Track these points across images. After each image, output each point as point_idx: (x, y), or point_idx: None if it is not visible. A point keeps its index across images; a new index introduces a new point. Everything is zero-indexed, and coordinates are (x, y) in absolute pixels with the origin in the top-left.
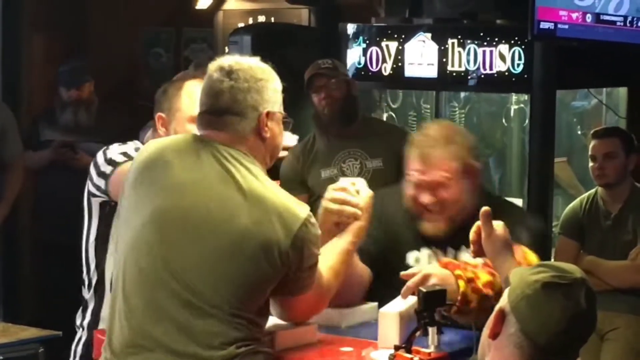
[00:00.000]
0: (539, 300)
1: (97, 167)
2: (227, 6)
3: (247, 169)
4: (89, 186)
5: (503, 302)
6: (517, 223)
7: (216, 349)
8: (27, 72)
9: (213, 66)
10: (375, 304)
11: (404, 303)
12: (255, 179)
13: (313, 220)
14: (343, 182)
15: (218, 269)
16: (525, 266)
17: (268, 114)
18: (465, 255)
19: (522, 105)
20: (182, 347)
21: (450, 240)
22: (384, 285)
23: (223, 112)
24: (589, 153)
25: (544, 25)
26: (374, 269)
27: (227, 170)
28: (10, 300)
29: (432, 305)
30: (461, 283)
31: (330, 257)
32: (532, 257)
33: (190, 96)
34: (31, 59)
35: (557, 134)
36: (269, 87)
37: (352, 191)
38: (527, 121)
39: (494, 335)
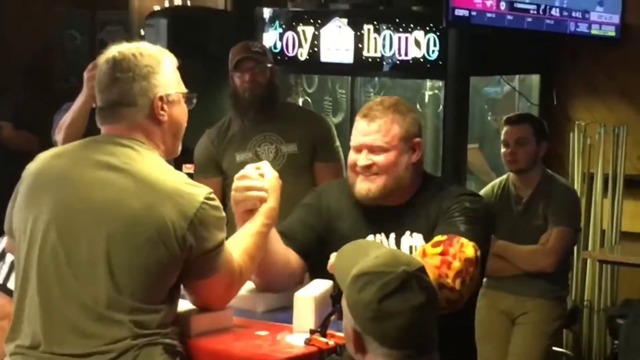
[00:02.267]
0: (381, 316)
1: None
2: None
3: (141, 155)
4: None
5: (351, 322)
6: (456, 205)
7: (113, 342)
8: None
9: (101, 59)
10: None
11: (318, 287)
12: (149, 164)
13: (213, 202)
14: (245, 169)
15: (114, 258)
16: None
17: (161, 97)
18: (408, 240)
19: (436, 91)
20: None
21: (394, 225)
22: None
23: (114, 105)
24: (502, 139)
25: (458, 12)
26: (319, 265)
27: (113, 160)
28: None
29: None
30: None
31: (241, 240)
32: (469, 249)
33: None
34: None
35: (470, 121)
36: (159, 72)
37: (254, 176)
38: (441, 107)
39: (362, 352)
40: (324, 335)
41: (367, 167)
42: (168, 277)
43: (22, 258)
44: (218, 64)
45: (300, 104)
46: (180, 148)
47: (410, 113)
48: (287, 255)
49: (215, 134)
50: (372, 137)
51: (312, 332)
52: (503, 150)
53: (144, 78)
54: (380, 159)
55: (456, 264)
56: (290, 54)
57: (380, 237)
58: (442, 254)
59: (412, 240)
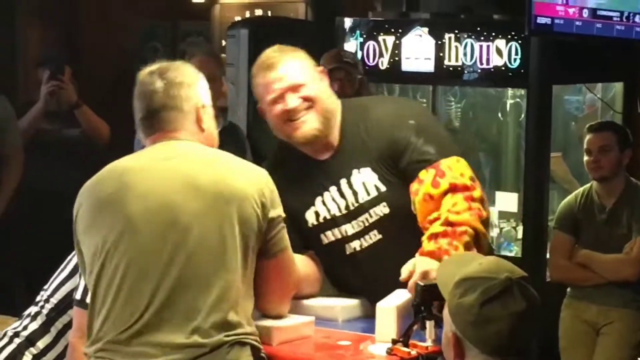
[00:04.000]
0: (482, 321)
1: None
2: (223, 0)
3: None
4: None
5: (451, 327)
6: (405, 132)
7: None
8: (22, 65)
9: (144, 73)
10: (372, 298)
11: (400, 297)
12: (211, 151)
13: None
14: None
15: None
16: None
17: (203, 106)
18: (357, 177)
19: (518, 99)
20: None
21: (337, 173)
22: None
23: (165, 110)
24: (584, 147)
25: (540, 20)
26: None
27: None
28: (3, 292)
29: (430, 299)
30: None
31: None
32: (462, 167)
33: None
34: (26, 50)
35: (552, 129)
36: (199, 84)
37: None
38: (522, 116)
39: (461, 358)
40: (406, 345)
41: (298, 107)
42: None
43: (114, 251)
44: None
45: None
46: None
47: (299, 50)
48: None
49: None
50: (288, 79)
51: (394, 342)
52: (586, 158)
53: (189, 86)
54: (304, 92)
55: (476, 193)
56: (371, 63)
57: (330, 192)
58: (451, 190)
59: (362, 176)
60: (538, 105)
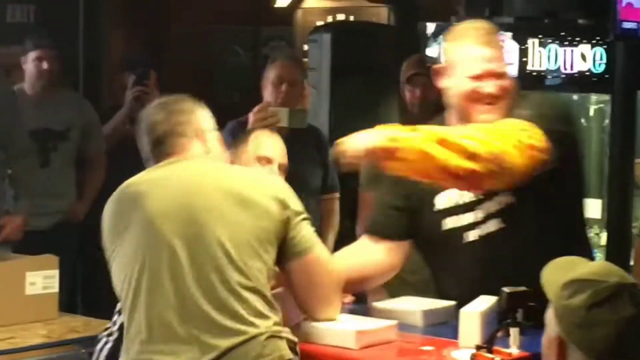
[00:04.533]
0: (588, 324)
1: None
2: (306, 4)
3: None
4: None
5: (556, 330)
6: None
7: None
8: (107, 70)
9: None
10: (454, 303)
11: (484, 303)
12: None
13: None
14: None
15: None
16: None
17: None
18: None
19: (601, 105)
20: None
21: None
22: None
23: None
24: None
25: (626, 25)
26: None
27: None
28: (90, 294)
29: (515, 306)
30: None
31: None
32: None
33: (255, 139)
34: (111, 56)
35: (637, 135)
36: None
37: None
38: (606, 121)
39: None
40: (490, 351)
41: (496, 95)
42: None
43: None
44: (381, 79)
45: None
46: None
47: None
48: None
49: None
50: (499, 64)
51: (478, 347)
52: None
53: (190, 113)
54: (503, 83)
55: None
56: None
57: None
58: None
59: None
60: (623, 111)
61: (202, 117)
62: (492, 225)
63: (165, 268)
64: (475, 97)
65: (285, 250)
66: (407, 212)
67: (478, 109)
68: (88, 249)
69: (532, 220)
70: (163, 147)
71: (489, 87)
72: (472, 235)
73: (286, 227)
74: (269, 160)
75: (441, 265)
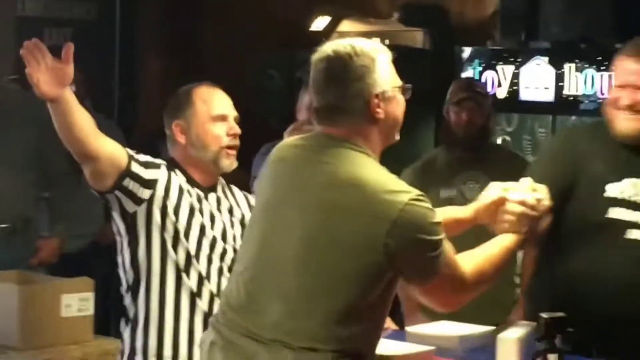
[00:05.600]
0: None
1: None
2: (341, 28)
3: (357, 160)
4: None
5: None
6: None
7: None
8: (142, 95)
9: (316, 57)
10: (492, 328)
11: (522, 328)
12: (361, 169)
13: (420, 203)
14: (524, 193)
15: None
16: None
17: (377, 96)
18: None
19: None
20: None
21: None
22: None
23: (331, 109)
24: None
25: None
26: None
27: (333, 163)
28: None
29: (553, 332)
30: None
31: (488, 248)
32: None
33: (203, 99)
34: (146, 81)
35: None
36: (375, 70)
37: (532, 202)
38: None
39: None
40: None
41: (630, 106)
42: (370, 285)
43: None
44: (418, 102)
45: (499, 142)
46: (397, 137)
47: None
48: None
49: (421, 168)
50: (637, 77)
51: None
52: None
53: (359, 79)
54: None
55: None
56: (490, 92)
57: (634, 179)
58: None
59: None
60: None
61: (380, 74)
62: None
63: None
64: (614, 105)
65: None
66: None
67: (624, 116)
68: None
69: None
70: (322, 115)
71: (624, 98)
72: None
73: None
74: (224, 118)
75: (594, 257)
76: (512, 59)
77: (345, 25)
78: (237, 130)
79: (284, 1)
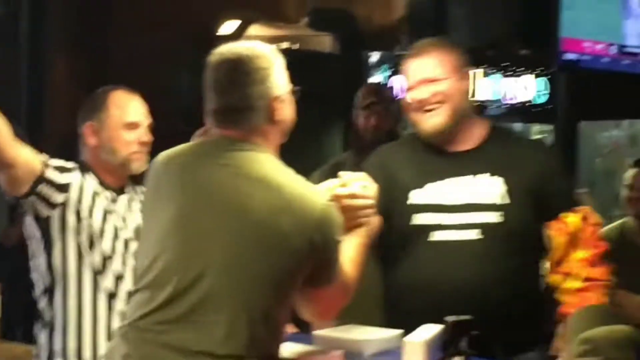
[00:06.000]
0: None
1: None
2: (250, 32)
3: (262, 159)
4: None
5: None
6: (553, 165)
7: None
8: (51, 96)
9: (215, 61)
10: (400, 331)
11: (428, 332)
12: (270, 169)
13: (332, 206)
14: (351, 185)
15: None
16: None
17: (277, 98)
18: (487, 180)
19: (544, 135)
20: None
21: (467, 168)
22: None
23: (233, 109)
24: (627, 182)
25: (568, 56)
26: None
27: (237, 165)
28: (30, 321)
29: (459, 334)
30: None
31: (347, 251)
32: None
33: (118, 105)
34: (55, 82)
35: (579, 166)
36: (273, 73)
37: (363, 193)
38: None
39: None
40: None
41: (427, 99)
42: (292, 284)
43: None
44: (327, 106)
45: None
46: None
47: (455, 47)
48: None
49: (329, 171)
50: (426, 70)
51: None
52: (627, 193)
53: (262, 81)
54: (438, 87)
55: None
56: (398, 97)
57: (448, 181)
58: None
59: (492, 181)
60: (564, 141)
61: (279, 77)
62: (471, 234)
63: None
64: (416, 107)
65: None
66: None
67: (422, 117)
68: (24, 274)
69: (515, 245)
70: (221, 117)
71: (422, 93)
72: (443, 236)
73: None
74: (136, 126)
75: (408, 261)
76: None
77: (254, 29)
78: (148, 138)
79: (195, 3)
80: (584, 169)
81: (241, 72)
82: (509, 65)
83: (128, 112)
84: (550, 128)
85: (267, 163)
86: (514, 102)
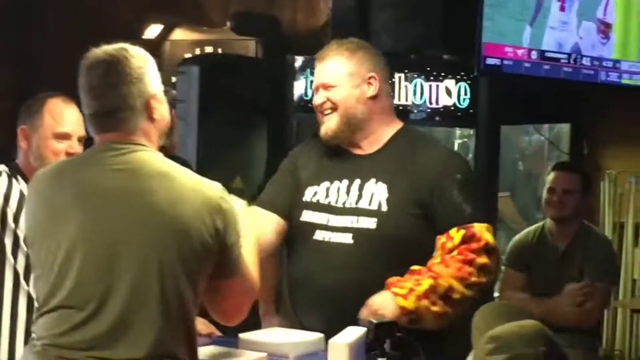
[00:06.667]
0: None
1: None
2: (174, 36)
3: (150, 157)
4: None
5: None
6: (448, 180)
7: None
8: None
9: (88, 64)
10: (322, 335)
11: (352, 334)
12: (162, 164)
13: (228, 196)
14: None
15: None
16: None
17: (153, 97)
18: (372, 187)
19: (465, 139)
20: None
21: (361, 172)
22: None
23: (114, 111)
24: (548, 185)
25: (490, 61)
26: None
27: (129, 168)
28: None
29: (382, 337)
30: (401, 300)
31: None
32: (487, 236)
33: (52, 113)
34: None
35: (501, 170)
36: (149, 71)
37: None
38: (470, 155)
39: None
40: None
41: (323, 104)
42: (202, 278)
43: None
44: (250, 111)
45: None
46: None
47: (361, 50)
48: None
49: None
50: (323, 76)
51: None
52: (547, 196)
53: (139, 80)
54: (330, 94)
55: (481, 259)
56: None
57: (340, 183)
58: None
59: (376, 188)
60: (486, 145)
61: (154, 76)
62: (345, 238)
63: None
64: (317, 110)
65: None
66: (291, 191)
67: (321, 120)
68: None
69: (385, 254)
70: (101, 121)
71: (319, 98)
72: (324, 236)
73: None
74: (67, 137)
75: (297, 258)
76: None
77: (178, 34)
78: (77, 150)
79: (119, 7)
80: (506, 172)
81: (116, 72)
82: (431, 70)
83: (61, 122)
84: (471, 132)
85: (160, 160)
86: (436, 106)
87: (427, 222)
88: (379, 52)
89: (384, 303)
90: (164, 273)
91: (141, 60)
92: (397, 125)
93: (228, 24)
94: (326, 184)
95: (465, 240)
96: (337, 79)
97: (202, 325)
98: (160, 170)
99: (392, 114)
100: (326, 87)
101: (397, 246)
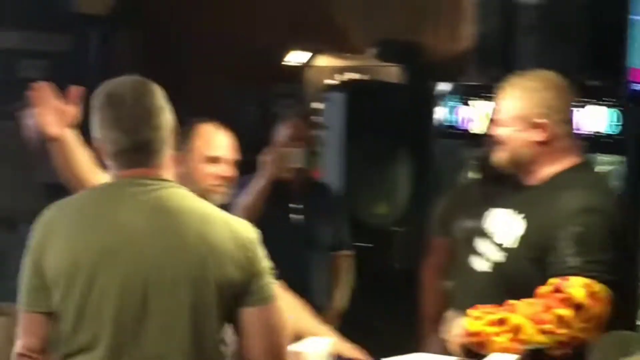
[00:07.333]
0: None
1: None
2: (317, 62)
3: (183, 193)
4: None
5: None
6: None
7: None
8: None
9: (111, 100)
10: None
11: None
12: (192, 200)
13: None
14: None
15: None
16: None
17: (173, 126)
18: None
19: (614, 166)
20: None
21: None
22: None
23: (146, 145)
24: None
25: (637, 87)
26: None
27: (161, 204)
28: None
29: None
30: (469, 321)
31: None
32: (578, 292)
33: (203, 138)
34: None
35: None
36: (165, 102)
37: None
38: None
39: None
40: None
41: (493, 136)
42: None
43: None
44: (394, 137)
45: None
46: None
47: (539, 91)
48: None
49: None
50: (496, 110)
51: None
52: None
53: (165, 110)
54: (498, 131)
55: (560, 311)
56: (464, 127)
57: (502, 211)
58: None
59: (511, 218)
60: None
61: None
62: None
63: None
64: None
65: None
66: None
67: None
68: None
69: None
70: (134, 156)
71: (492, 130)
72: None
73: None
74: (217, 160)
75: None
76: (488, 95)
77: (321, 60)
78: (229, 173)
79: (260, 33)
80: None
81: (150, 103)
82: (577, 96)
83: (212, 146)
84: (620, 159)
85: (189, 196)
86: (582, 132)
87: (537, 260)
88: (564, 87)
89: (456, 321)
90: (198, 313)
91: (159, 91)
92: (572, 161)
93: (371, 50)
94: (491, 210)
95: (556, 289)
96: (505, 119)
97: (348, 350)
98: (193, 207)
99: (568, 151)
100: (495, 122)
101: (516, 275)
